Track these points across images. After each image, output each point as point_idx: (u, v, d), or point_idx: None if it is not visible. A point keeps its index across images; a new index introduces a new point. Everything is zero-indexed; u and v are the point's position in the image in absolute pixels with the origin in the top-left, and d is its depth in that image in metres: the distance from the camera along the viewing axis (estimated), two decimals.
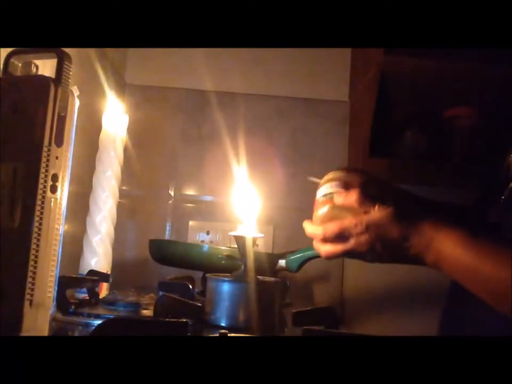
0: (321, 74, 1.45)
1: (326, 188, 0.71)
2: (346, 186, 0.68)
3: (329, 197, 0.69)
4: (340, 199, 0.67)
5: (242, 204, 0.76)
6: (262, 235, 0.75)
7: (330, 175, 0.72)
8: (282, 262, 1.04)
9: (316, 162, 1.42)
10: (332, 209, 0.68)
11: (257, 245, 0.75)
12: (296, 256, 1.04)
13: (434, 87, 1.27)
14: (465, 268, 0.60)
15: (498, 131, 1.27)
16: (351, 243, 0.65)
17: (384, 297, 1.35)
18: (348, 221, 0.64)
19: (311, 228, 0.68)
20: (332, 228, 0.65)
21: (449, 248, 0.61)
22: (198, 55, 1.41)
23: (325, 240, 0.67)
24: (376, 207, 0.64)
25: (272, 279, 0.78)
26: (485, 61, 1.13)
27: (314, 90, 1.44)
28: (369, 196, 0.66)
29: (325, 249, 0.67)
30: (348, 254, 0.66)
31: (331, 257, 0.68)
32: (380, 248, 0.64)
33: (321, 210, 0.69)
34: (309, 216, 1.50)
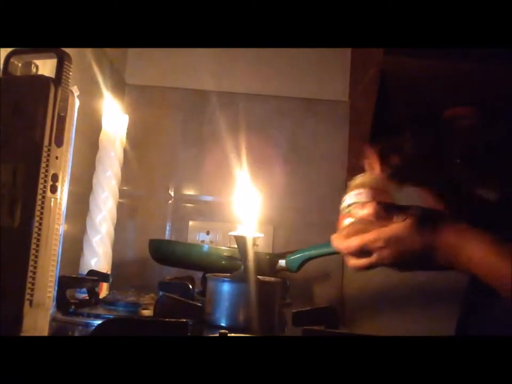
0: (321, 74, 1.45)
1: (350, 197, 0.69)
2: (372, 192, 0.67)
3: (350, 209, 0.68)
4: (357, 212, 0.65)
5: (242, 204, 0.76)
6: (262, 235, 0.75)
7: (357, 180, 0.70)
8: (282, 262, 1.04)
9: (315, 162, 1.42)
10: (354, 223, 0.66)
11: (257, 245, 0.75)
12: (296, 256, 1.04)
13: (434, 87, 1.27)
14: (498, 272, 0.59)
15: (498, 131, 1.27)
16: (373, 258, 0.64)
17: (384, 297, 1.35)
18: (367, 237, 0.63)
19: (336, 242, 0.67)
20: (354, 243, 0.64)
21: (480, 253, 0.60)
22: (198, 55, 1.41)
23: (349, 254, 0.66)
24: (395, 219, 0.63)
25: (272, 279, 0.78)
26: (485, 61, 1.13)
27: (314, 90, 1.44)
28: (387, 206, 0.64)
29: (351, 262, 0.67)
30: (374, 266, 0.65)
31: (359, 270, 0.67)
32: (404, 259, 0.63)
33: (345, 223, 0.68)
34: (309, 217, 1.50)
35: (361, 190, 0.68)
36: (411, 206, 0.66)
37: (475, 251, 0.60)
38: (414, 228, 0.62)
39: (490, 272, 0.60)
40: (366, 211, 0.64)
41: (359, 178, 0.70)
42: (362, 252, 0.64)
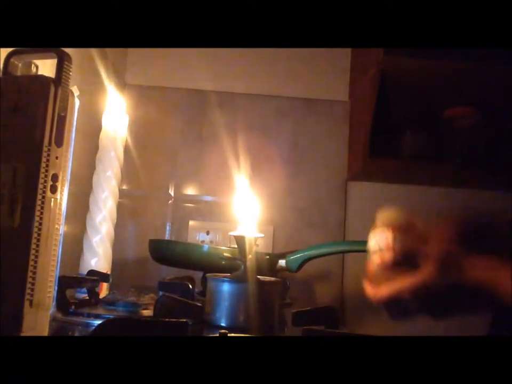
0: (321, 74, 1.45)
1: (373, 236, 0.67)
2: (393, 235, 0.64)
3: (371, 255, 0.66)
4: (377, 259, 0.63)
5: (242, 204, 0.76)
6: (262, 235, 0.75)
7: (382, 215, 0.67)
8: (282, 262, 1.04)
9: (315, 162, 1.42)
10: (379, 268, 0.65)
11: (257, 245, 0.75)
12: (296, 256, 1.03)
13: (434, 87, 1.27)
14: None
15: (498, 131, 1.27)
16: (405, 310, 0.62)
17: None
18: (395, 287, 0.61)
19: (366, 289, 0.66)
20: (382, 294, 0.63)
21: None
22: (198, 55, 1.41)
23: (381, 304, 0.64)
24: (418, 266, 0.61)
25: (272, 279, 0.78)
26: (485, 61, 1.13)
27: (314, 90, 1.44)
28: (405, 253, 0.62)
29: (388, 315, 0.66)
30: (410, 316, 0.64)
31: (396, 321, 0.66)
32: (437, 306, 0.61)
33: (369, 267, 0.66)
34: (309, 217, 1.50)
35: (384, 231, 0.66)
36: (432, 247, 0.62)
37: (508, 283, 0.57)
38: (439, 272, 0.59)
39: None
40: (385, 259, 0.62)
41: (383, 214, 0.68)
42: (393, 302, 0.62)
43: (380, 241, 0.65)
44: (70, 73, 0.54)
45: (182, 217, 1.39)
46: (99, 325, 0.52)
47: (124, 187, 1.35)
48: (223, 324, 0.69)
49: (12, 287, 0.48)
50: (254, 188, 0.78)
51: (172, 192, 1.40)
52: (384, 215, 0.68)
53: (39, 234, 0.49)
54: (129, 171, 1.31)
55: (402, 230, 0.65)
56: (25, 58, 0.58)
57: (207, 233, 1.37)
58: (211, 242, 1.35)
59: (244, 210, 0.75)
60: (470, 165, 1.24)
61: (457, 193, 1.42)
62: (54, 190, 0.51)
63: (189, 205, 1.40)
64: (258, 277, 0.73)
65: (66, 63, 0.53)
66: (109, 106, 0.97)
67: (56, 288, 0.54)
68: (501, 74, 1.17)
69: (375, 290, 0.64)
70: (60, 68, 0.53)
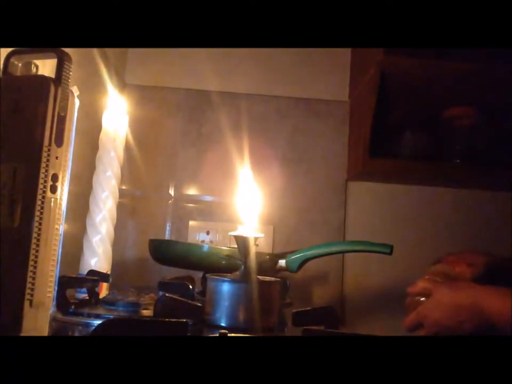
0: (321, 74, 1.45)
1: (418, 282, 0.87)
2: (427, 278, 0.85)
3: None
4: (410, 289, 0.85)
5: (243, 204, 0.76)
6: (262, 235, 0.75)
7: (430, 269, 0.91)
8: (282, 262, 1.03)
9: (315, 162, 1.42)
10: (411, 302, 0.85)
11: (257, 245, 0.75)
12: (296, 256, 1.03)
13: (434, 87, 1.27)
14: None
15: (498, 131, 1.27)
16: (423, 331, 0.79)
17: (384, 297, 1.35)
18: (415, 312, 0.80)
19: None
20: (407, 320, 0.82)
21: (499, 305, 0.70)
22: (198, 55, 1.41)
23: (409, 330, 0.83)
24: (430, 294, 0.78)
25: (272, 279, 0.78)
26: (485, 61, 1.13)
27: (314, 90, 1.44)
28: (420, 285, 0.83)
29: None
30: (429, 334, 0.79)
31: None
32: (442, 326, 0.76)
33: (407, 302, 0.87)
34: (309, 217, 1.50)
35: (425, 278, 0.86)
36: (437, 281, 0.82)
37: (495, 304, 0.70)
38: (436, 299, 0.77)
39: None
40: (416, 286, 0.84)
41: (433, 267, 0.90)
42: (417, 326, 0.80)
43: (418, 281, 0.85)
44: (70, 73, 0.54)
45: (182, 217, 1.39)
46: (99, 325, 0.52)
47: (124, 187, 1.35)
48: (223, 324, 0.69)
49: (12, 287, 0.48)
50: (254, 187, 0.78)
51: (172, 192, 1.40)
52: (434, 268, 0.89)
53: (39, 234, 0.49)
54: (129, 171, 1.31)
55: (438, 273, 0.85)
56: (25, 58, 0.58)
57: (207, 233, 1.37)
58: (211, 242, 1.35)
59: (244, 210, 0.75)
60: (470, 165, 1.24)
61: (457, 193, 1.42)
62: (54, 190, 0.51)
63: (189, 205, 1.40)
64: (258, 277, 0.73)
65: (66, 63, 0.53)
66: (109, 106, 0.97)
67: (56, 288, 0.53)
68: (501, 74, 1.17)
69: (406, 319, 0.82)
70: (59, 68, 0.53)
